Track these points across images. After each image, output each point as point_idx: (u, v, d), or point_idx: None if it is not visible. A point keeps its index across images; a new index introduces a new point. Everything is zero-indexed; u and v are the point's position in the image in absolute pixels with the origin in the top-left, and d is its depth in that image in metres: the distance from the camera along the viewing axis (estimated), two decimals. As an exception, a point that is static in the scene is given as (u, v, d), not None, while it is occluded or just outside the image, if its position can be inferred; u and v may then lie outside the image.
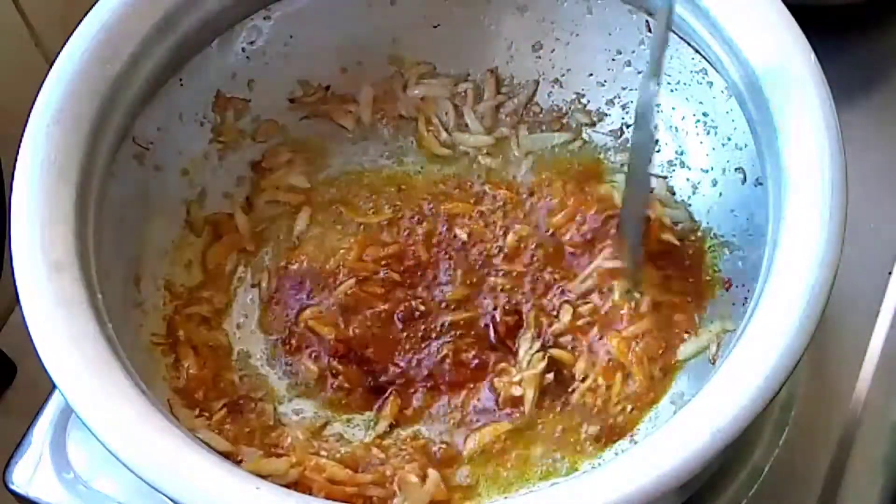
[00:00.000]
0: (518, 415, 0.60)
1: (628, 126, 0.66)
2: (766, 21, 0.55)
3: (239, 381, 0.62)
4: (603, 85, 0.66)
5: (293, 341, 0.62)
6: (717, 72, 0.60)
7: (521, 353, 0.61)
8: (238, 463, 0.56)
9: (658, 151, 0.64)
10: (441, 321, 0.62)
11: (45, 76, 0.56)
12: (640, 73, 0.65)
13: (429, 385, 0.61)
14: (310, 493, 0.55)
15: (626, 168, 0.64)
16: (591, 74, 0.67)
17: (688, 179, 0.64)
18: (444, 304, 0.63)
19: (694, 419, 0.48)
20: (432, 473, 0.57)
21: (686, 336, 0.60)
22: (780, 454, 0.62)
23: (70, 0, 0.67)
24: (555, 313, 0.62)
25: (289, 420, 0.60)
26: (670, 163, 0.65)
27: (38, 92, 0.56)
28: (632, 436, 0.58)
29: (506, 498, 0.57)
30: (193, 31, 0.61)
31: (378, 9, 0.66)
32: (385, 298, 0.63)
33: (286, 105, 0.67)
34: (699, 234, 0.62)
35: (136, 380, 0.51)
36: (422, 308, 0.63)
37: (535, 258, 0.64)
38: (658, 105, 0.60)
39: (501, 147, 0.68)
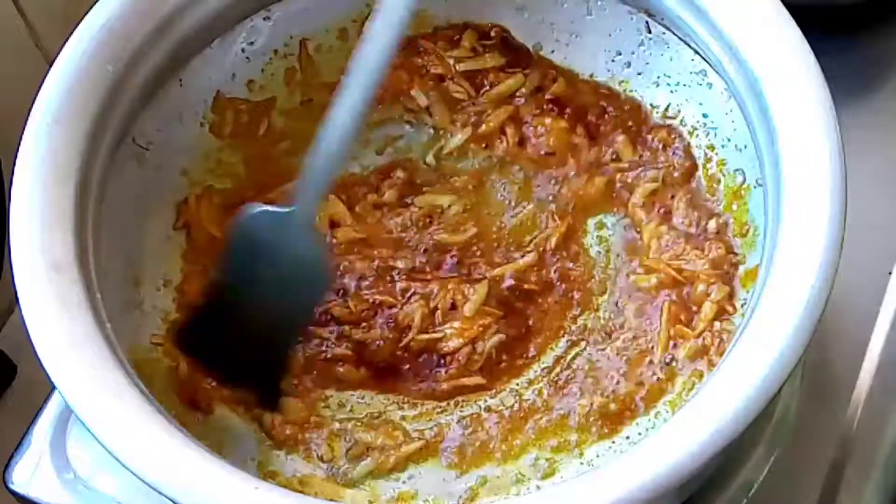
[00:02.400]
0: None
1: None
2: (765, 22, 0.55)
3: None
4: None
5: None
6: (717, 73, 0.60)
7: None
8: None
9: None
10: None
11: (45, 76, 0.56)
12: (640, 74, 0.65)
13: None
14: None
15: None
16: (591, 75, 0.67)
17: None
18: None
19: (693, 419, 0.48)
20: None
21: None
22: (779, 455, 0.62)
23: (70, 0, 0.67)
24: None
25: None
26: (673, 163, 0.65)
27: (38, 92, 0.56)
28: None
29: (505, 497, 0.58)
30: (193, 32, 0.61)
31: (377, 10, 0.67)
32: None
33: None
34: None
35: (136, 380, 0.51)
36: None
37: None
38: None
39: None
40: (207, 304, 0.60)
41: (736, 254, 0.60)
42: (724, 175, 0.62)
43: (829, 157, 0.51)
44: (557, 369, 0.61)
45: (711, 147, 0.63)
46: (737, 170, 0.61)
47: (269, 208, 0.57)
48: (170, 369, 0.60)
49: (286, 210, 0.56)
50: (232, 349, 0.59)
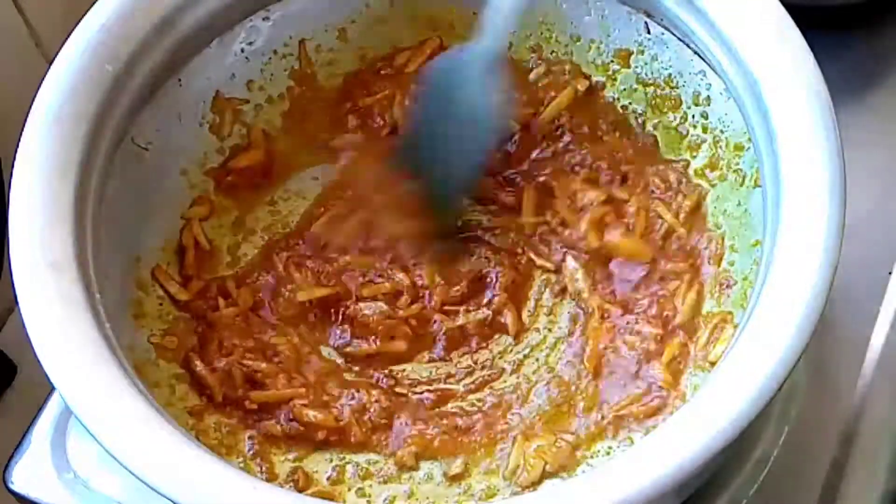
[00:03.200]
0: None
1: (630, 126, 0.66)
2: (764, 22, 0.55)
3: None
4: (602, 88, 0.66)
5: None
6: (716, 73, 0.60)
7: None
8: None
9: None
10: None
11: (45, 76, 0.56)
12: (638, 74, 0.65)
13: None
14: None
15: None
16: (590, 75, 0.67)
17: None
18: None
19: (693, 419, 0.48)
20: None
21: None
22: (780, 454, 0.62)
23: (70, 0, 0.68)
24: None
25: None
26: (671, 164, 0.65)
27: (38, 92, 0.56)
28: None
29: (505, 498, 0.57)
30: (193, 32, 0.61)
31: (376, 10, 0.66)
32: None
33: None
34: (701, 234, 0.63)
35: (135, 380, 0.51)
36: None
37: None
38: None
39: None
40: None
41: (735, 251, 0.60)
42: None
43: (828, 157, 0.51)
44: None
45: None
46: (736, 170, 0.61)
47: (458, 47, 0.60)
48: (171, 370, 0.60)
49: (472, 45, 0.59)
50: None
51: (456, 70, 0.60)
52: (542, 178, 0.65)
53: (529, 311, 0.63)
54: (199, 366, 0.59)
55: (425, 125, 0.62)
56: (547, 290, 0.64)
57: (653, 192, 0.63)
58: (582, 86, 0.66)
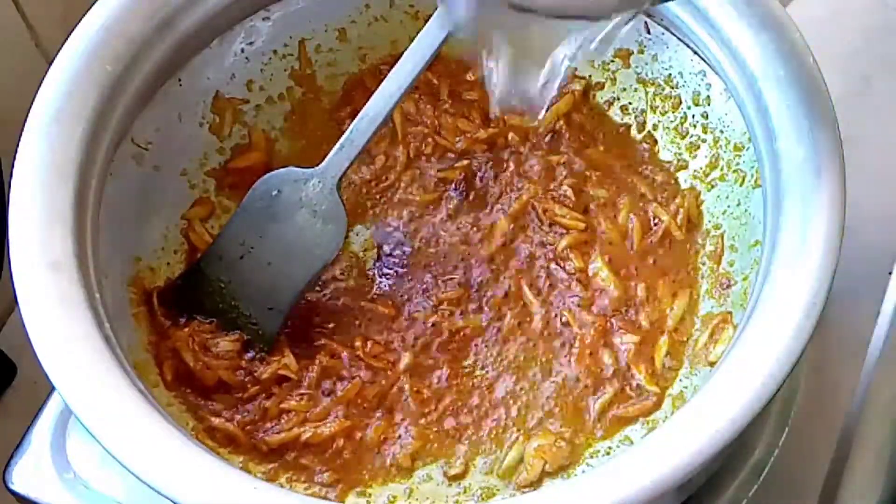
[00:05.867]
0: None
1: (628, 126, 0.66)
2: (764, 22, 0.55)
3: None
4: (602, 87, 0.67)
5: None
6: (716, 73, 0.60)
7: None
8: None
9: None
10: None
11: (45, 76, 0.56)
12: (638, 74, 0.65)
13: None
14: None
15: None
16: (590, 76, 0.67)
17: (686, 181, 0.64)
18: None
19: (693, 419, 0.48)
20: None
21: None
22: (780, 454, 0.62)
23: (70, 0, 0.68)
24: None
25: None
26: (670, 165, 0.65)
27: (38, 92, 0.56)
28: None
29: (505, 499, 0.57)
30: (192, 32, 0.61)
31: (376, 10, 0.66)
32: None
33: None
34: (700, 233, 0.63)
35: (135, 380, 0.51)
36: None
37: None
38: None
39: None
40: (200, 262, 0.62)
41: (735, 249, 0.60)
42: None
43: (828, 156, 0.51)
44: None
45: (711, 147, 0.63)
46: (736, 170, 0.61)
47: (295, 168, 0.61)
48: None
49: (312, 169, 0.60)
50: (227, 301, 0.61)
51: (293, 192, 0.60)
52: (527, 195, 0.65)
53: (529, 311, 0.63)
54: (215, 420, 0.59)
55: (250, 239, 0.61)
56: (545, 289, 0.64)
57: (648, 195, 0.63)
58: (580, 85, 0.66)
